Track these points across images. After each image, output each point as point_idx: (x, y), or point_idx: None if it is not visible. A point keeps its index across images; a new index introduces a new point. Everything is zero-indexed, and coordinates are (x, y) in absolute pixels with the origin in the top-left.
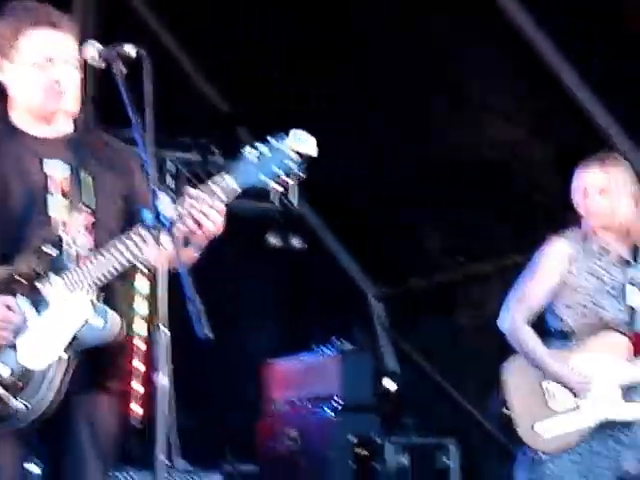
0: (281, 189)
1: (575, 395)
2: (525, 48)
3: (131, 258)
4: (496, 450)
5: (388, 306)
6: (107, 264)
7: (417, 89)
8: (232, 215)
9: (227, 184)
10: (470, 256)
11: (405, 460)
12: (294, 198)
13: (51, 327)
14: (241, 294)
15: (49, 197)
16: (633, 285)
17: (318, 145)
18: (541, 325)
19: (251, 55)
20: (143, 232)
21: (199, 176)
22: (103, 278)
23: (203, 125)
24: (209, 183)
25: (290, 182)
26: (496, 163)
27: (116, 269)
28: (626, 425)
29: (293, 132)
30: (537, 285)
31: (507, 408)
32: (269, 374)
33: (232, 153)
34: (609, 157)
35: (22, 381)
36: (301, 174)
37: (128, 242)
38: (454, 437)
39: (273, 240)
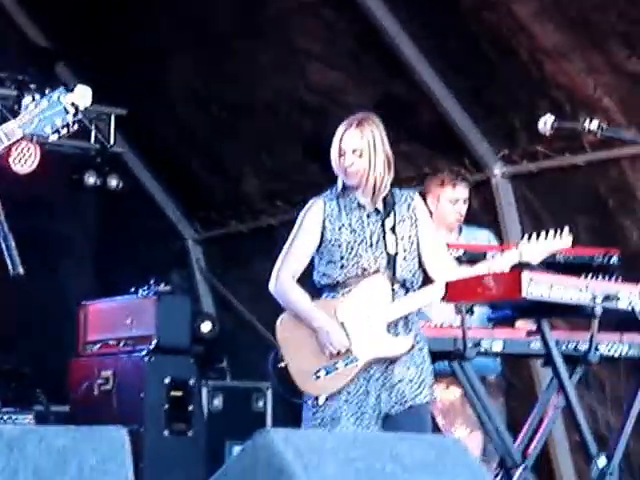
0: (56, 138)
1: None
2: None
3: None
4: None
5: (206, 250)
6: None
7: (238, 33)
8: (50, 154)
9: (11, 130)
10: (289, 201)
11: (220, 402)
12: (111, 138)
13: None
14: (59, 234)
15: None
16: (391, 233)
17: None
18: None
19: None
20: None
21: (15, 111)
22: None
23: (20, 60)
24: None
25: (66, 132)
26: (315, 108)
27: None
28: (385, 366)
29: (77, 88)
30: (298, 245)
31: (283, 362)
32: (84, 315)
33: (50, 88)
34: (365, 117)
35: None
36: (75, 126)
37: None
38: (269, 381)
39: (91, 179)
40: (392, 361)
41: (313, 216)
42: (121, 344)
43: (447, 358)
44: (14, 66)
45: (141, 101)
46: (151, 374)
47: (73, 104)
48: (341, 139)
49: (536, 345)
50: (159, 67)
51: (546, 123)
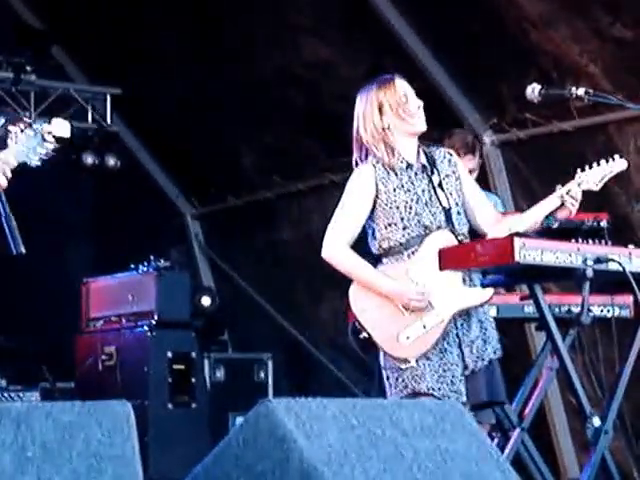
0: (40, 163)
1: (409, 307)
2: None
3: None
4: (312, 363)
5: (205, 225)
6: None
7: (232, 10)
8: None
9: (7, 159)
10: (285, 175)
11: (222, 374)
12: (108, 117)
13: None
14: (59, 214)
15: None
16: (440, 189)
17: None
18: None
19: None
20: None
21: (12, 94)
22: None
23: (16, 42)
24: None
25: (46, 158)
26: (308, 82)
27: None
28: (460, 322)
29: (54, 121)
30: (351, 211)
31: (364, 330)
32: (87, 292)
33: (46, 70)
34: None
35: None
36: (53, 153)
37: None
38: (270, 352)
39: (89, 159)
40: (467, 317)
41: (365, 180)
42: (123, 320)
43: None
44: (10, 49)
45: (137, 80)
46: (153, 348)
47: (50, 133)
48: (406, 91)
49: (530, 309)
50: (154, 46)
51: (534, 90)
